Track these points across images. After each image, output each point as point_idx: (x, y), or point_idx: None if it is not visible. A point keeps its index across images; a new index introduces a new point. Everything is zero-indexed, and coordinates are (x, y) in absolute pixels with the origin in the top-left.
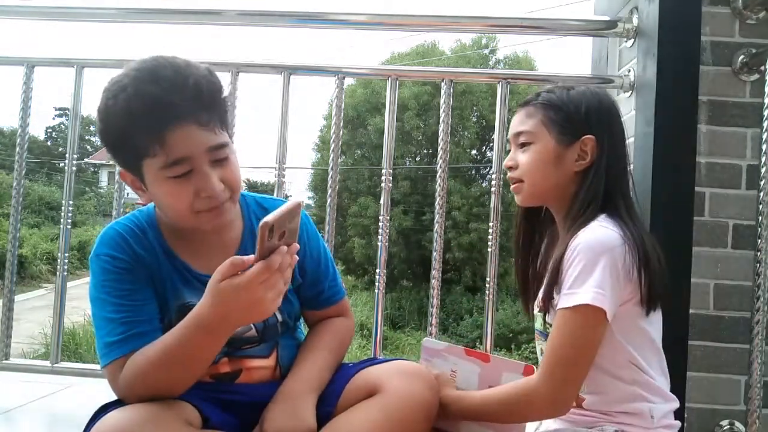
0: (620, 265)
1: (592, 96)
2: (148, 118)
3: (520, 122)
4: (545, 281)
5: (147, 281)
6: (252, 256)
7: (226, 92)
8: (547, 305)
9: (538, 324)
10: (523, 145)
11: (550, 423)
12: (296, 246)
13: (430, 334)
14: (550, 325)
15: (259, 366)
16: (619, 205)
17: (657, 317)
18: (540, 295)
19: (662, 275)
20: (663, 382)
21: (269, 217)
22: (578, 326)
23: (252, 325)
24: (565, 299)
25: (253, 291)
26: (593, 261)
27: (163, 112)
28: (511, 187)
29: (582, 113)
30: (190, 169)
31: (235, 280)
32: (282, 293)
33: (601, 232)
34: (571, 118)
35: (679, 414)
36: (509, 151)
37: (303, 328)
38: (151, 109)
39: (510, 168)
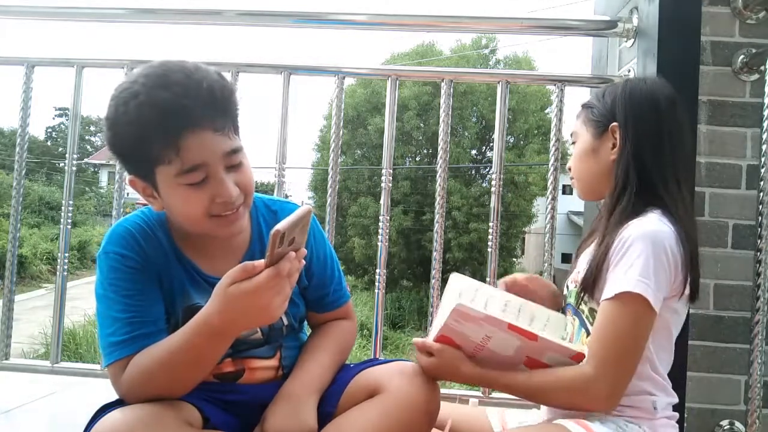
0: (669, 260)
1: (625, 85)
2: (163, 124)
3: (573, 125)
4: (589, 264)
5: (155, 281)
6: (262, 262)
7: (237, 95)
8: (590, 289)
9: (571, 299)
10: (573, 145)
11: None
12: (304, 251)
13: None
14: (585, 303)
15: (263, 366)
16: (662, 196)
17: (683, 316)
18: (582, 274)
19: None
20: (668, 379)
21: (281, 225)
22: (623, 315)
23: (258, 328)
24: (609, 289)
25: (261, 296)
26: (642, 252)
27: (178, 118)
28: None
29: (609, 103)
30: (206, 176)
31: (243, 284)
32: (288, 298)
33: (653, 225)
34: (600, 110)
35: (678, 413)
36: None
37: (306, 330)
38: (165, 116)
39: (569, 169)
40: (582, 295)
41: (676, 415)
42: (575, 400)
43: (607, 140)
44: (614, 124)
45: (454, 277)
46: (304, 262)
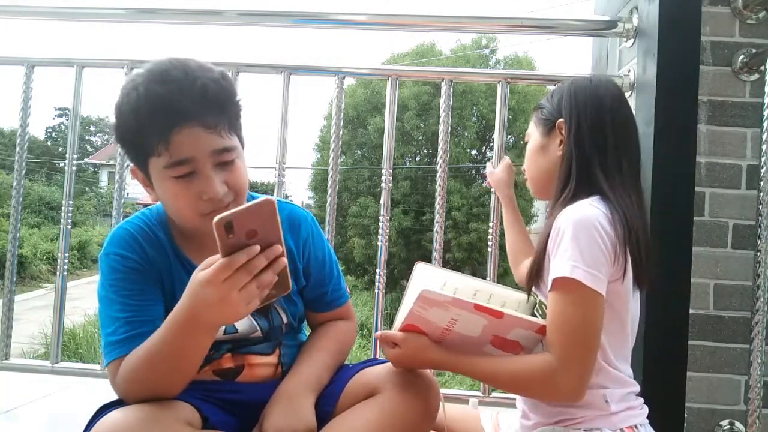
0: (603, 239)
1: (569, 84)
2: (154, 117)
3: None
4: (530, 259)
5: (156, 282)
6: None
7: (238, 97)
8: (532, 281)
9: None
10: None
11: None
12: (278, 248)
13: None
14: (536, 295)
15: (262, 363)
16: (602, 187)
17: (636, 301)
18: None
19: (648, 257)
20: (623, 369)
21: (225, 213)
22: (567, 303)
23: (257, 326)
24: (549, 278)
25: (215, 289)
26: (573, 236)
27: (168, 113)
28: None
29: (555, 101)
30: (192, 171)
31: (199, 275)
32: (255, 296)
33: (584, 210)
34: (549, 109)
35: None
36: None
37: (306, 330)
38: (157, 110)
39: (524, 170)
40: (530, 287)
41: (641, 401)
42: (543, 390)
43: (555, 137)
44: (560, 120)
45: (420, 267)
46: (285, 261)
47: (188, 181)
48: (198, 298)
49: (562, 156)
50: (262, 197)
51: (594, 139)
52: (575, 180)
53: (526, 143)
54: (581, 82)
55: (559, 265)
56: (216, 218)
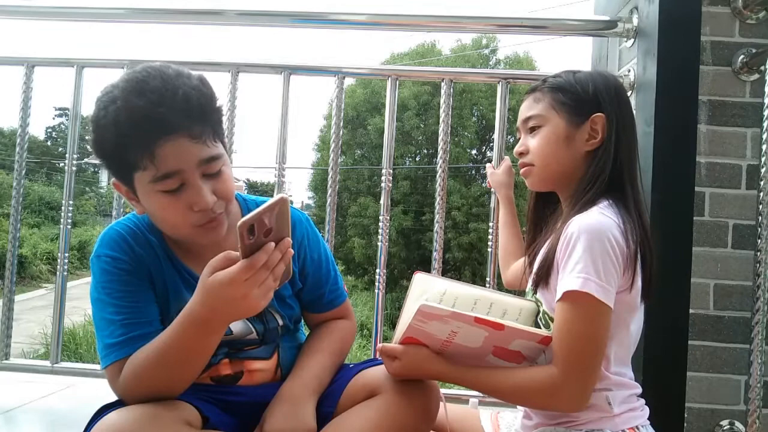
0: (615, 251)
1: (599, 76)
2: (137, 131)
3: (528, 108)
4: (538, 261)
5: (148, 282)
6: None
7: (219, 102)
8: (538, 284)
9: (529, 296)
10: (532, 129)
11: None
12: (288, 240)
13: None
14: (540, 303)
15: (261, 368)
16: (626, 191)
17: (640, 311)
18: (533, 270)
19: (655, 269)
20: (625, 372)
21: (247, 217)
22: (576, 315)
23: (253, 328)
24: (559, 289)
25: (237, 288)
26: (587, 247)
27: (152, 126)
28: (521, 171)
29: (590, 92)
30: (181, 183)
31: (219, 275)
32: (272, 289)
33: (597, 219)
34: (580, 98)
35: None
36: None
37: (304, 330)
38: (139, 123)
39: (521, 154)
40: (535, 293)
41: (642, 403)
42: (546, 402)
43: (584, 130)
44: (599, 115)
45: (418, 277)
46: (292, 251)
47: (177, 193)
48: (218, 298)
49: (592, 153)
50: (277, 196)
51: (629, 143)
52: (605, 184)
53: (526, 122)
54: (611, 77)
55: (570, 278)
56: (240, 222)
